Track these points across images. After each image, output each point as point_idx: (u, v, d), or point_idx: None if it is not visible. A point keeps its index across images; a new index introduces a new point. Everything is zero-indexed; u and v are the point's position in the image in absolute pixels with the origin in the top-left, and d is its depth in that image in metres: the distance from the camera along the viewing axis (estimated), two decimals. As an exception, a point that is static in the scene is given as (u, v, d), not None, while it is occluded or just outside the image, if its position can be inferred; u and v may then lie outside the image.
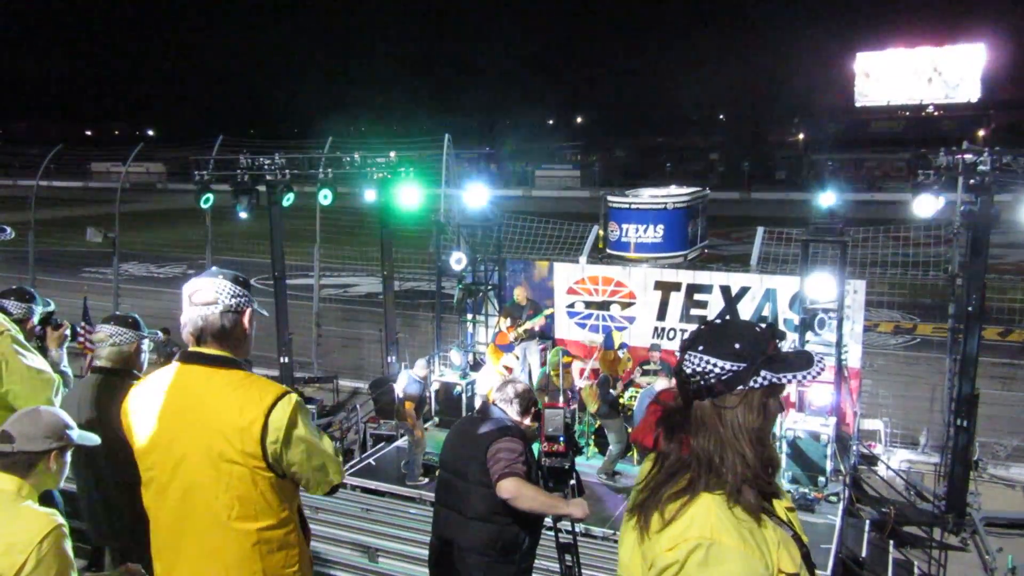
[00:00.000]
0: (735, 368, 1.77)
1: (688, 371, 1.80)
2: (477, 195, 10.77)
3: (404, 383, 9.00)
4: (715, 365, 1.78)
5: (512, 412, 3.99)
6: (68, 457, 2.79)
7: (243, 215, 10.10)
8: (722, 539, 1.68)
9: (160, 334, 4.66)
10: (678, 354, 1.89)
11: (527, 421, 4.04)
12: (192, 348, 2.55)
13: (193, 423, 2.45)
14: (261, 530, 2.46)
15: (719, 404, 1.79)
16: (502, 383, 4.19)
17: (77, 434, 2.82)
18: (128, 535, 3.60)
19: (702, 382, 1.79)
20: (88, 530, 3.90)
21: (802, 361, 1.82)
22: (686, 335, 1.93)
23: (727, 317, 1.97)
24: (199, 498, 2.44)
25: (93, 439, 2.95)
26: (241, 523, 2.43)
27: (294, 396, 2.49)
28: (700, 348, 1.81)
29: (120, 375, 3.66)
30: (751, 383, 1.77)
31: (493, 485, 3.64)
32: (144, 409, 2.54)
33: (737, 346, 1.79)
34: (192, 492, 2.45)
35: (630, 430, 8.96)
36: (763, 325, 1.93)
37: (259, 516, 2.45)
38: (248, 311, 2.60)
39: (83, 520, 3.85)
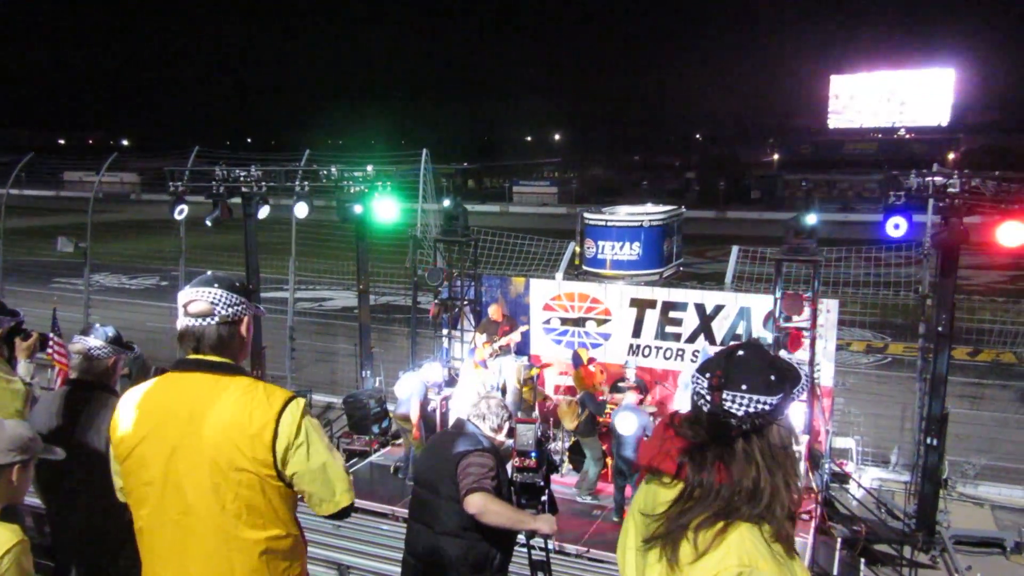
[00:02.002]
0: (777, 401, 1.80)
1: (741, 413, 1.79)
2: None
3: (417, 388, 9.14)
4: (763, 403, 1.80)
5: (486, 428, 3.99)
6: (31, 471, 2.73)
7: (208, 223, 10.06)
8: (761, 566, 1.69)
9: (138, 349, 4.59)
10: (703, 391, 1.85)
11: (501, 437, 4.04)
12: (190, 355, 2.46)
13: (197, 433, 2.36)
14: (270, 539, 2.39)
15: (763, 436, 1.81)
16: (477, 399, 4.19)
17: (42, 447, 2.76)
18: (98, 552, 3.53)
19: (758, 421, 1.80)
20: (54, 546, 3.82)
21: (798, 374, 1.87)
22: (703, 370, 1.88)
23: (740, 347, 1.95)
24: (205, 509, 2.35)
25: (59, 453, 2.89)
26: (250, 531, 2.36)
27: (302, 400, 2.43)
28: (744, 388, 1.80)
29: (95, 389, 3.60)
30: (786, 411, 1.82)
31: (461, 491, 3.63)
32: (138, 421, 2.43)
33: (773, 378, 1.82)
34: (197, 504, 2.36)
35: (604, 447, 8.96)
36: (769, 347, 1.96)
37: (267, 525, 2.38)
38: (246, 319, 2.53)
39: (50, 536, 3.77)
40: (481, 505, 3.57)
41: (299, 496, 2.47)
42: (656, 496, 1.91)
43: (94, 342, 3.63)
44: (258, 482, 2.34)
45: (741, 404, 1.79)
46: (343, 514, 2.51)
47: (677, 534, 1.77)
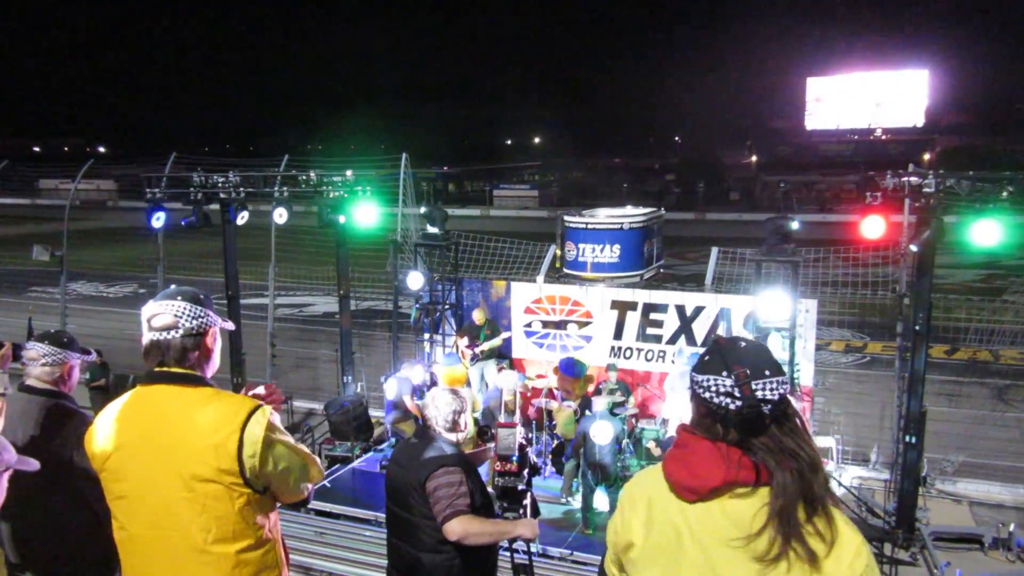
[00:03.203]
0: (787, 379, 1.86)
1: (775, 398, 1.81)
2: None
3: (405, 386, 9.47)
4: (785, 383, 1.84)
5: (442, 430, 3.83)
6: (4, 483, 2.69)
7: (184, 222, 10.03)
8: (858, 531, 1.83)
9: (95, 354, 4.52)
10: (728, 389, 1.83)
11: (460, 436, 3.87)
12: (155, 369, 2.48)
13: (163, 445, 2.36)
14: (240, 552, 2.39)
15: (789, 415, 1.85)
16: (427, 400, 3.96)
17: (16, 459, 2.72)
18: (56, 560, 3.48)
19: (782, 404, 1.83)
20: (10, 554, 3.74)
21: None
22: (713, 370, 1.86)
23: (735, 339, 1.94)
24: (173, 524, 2.35)
25: (33, 464, 2.85)
26: (219, 546, 2.36)
27: (267, 408, 2.44)
28: (767, 374, 1.82)
29: (50, 396, 3.54)
30: None
31: (437, 518, 3.56)
32: (110, 435, 2.45)
33: (774, 357, 1.88)
34: (165, 518, 2.36)
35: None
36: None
37: (237, 537, 2.38)
38: (212, 330, 2.54)
39: (7, 545, 3.69)
40: (461, 531, 3.51)
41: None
42: (735, 512, 1.81)
43: (47, 347, 3.57)
44: (225, 492, 2.35)
45: (773, 390, 1.81)
46: (305, 502, 2.63)
47: (797, 534, 1.75)
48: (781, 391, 1.81)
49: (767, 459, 1.79)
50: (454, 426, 3.84)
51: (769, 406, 1.80)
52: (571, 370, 9.94)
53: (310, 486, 2.58)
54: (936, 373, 10.78)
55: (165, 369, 2.46)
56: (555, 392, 9.97)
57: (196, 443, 2.33)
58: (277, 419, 2.47)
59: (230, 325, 2.68)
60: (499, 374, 10.28)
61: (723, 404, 1.83)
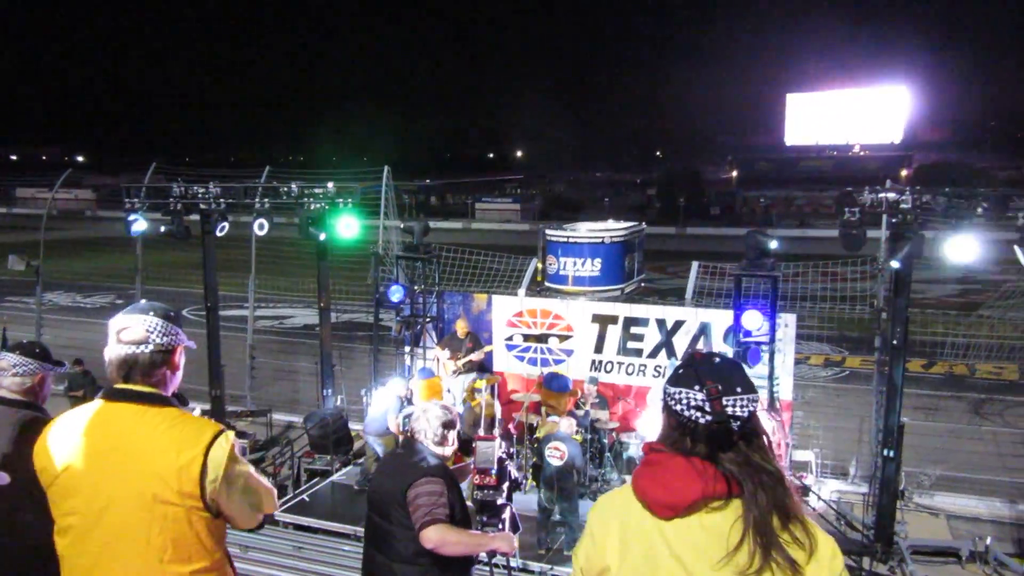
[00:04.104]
0: (758, 397, 1.89)
1: (745, 415, 1.84)
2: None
3: (393, 404, 9.25)
4: (755, 400, 1.87)
5: (430, 443, 3.85)
6: None
7: (163, 229, 9.98)
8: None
9: (67, 366, 4.45)
10: (699, 403, 1.84)
11: (447, 451, 3.89)
12: (119, 385, 2.44)
13: (123, 464, 2.34)
14: (194, 572, 2.37)
15: (758, 432, 1.87)
16: (416, 413, 3.99)
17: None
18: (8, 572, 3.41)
19: (751, 422, 1.86)
20: None
21: None
22: (685, 384, 1.88)
23: (711, 355, 1.96)
24: (128, 542, 2.33)
25: (3, 478, 2.81)
26: (174, 566, 2.34)
27: (231, 433, 2.42)
28: (739, 391, 1.85)
29: (21, 407, 3.49)
30: None
31: (415, 527, 3.55)
32: (65, 450, 2.41)
33: (747, 374, 1.91)
34: (121, 537, 2.33)
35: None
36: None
37: (193, 558, 2.37)
38: (179, 348, 2.53)
39: None
40: (438, 539, 3.50)
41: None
42: (713, 526, 1.82)
43: (17, 358, 3.52)
44: (184, 515, 2.34)
45: (744, 407, 1.83)
46: (261, 526, 2.60)
47: (775, 544, 1.76)
48: (751, 408, 1.84)
49: (733, 472, 1.82)
50: (443, 440, 3.86)
51: (738, 422, 1.83)
52: (555, 384, 9.89)
53: (260, 516, 2.56)
54: (914, 387, 10.86)
55: (129, 387, 2.43)
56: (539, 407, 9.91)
57: (158, 465, 2.31)
58: (239, 446, 2.47)
59: (192, 344, 2.66)
60: (468, 381, 10.29)
61: (693, 418, 1.84)
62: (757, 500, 1.79)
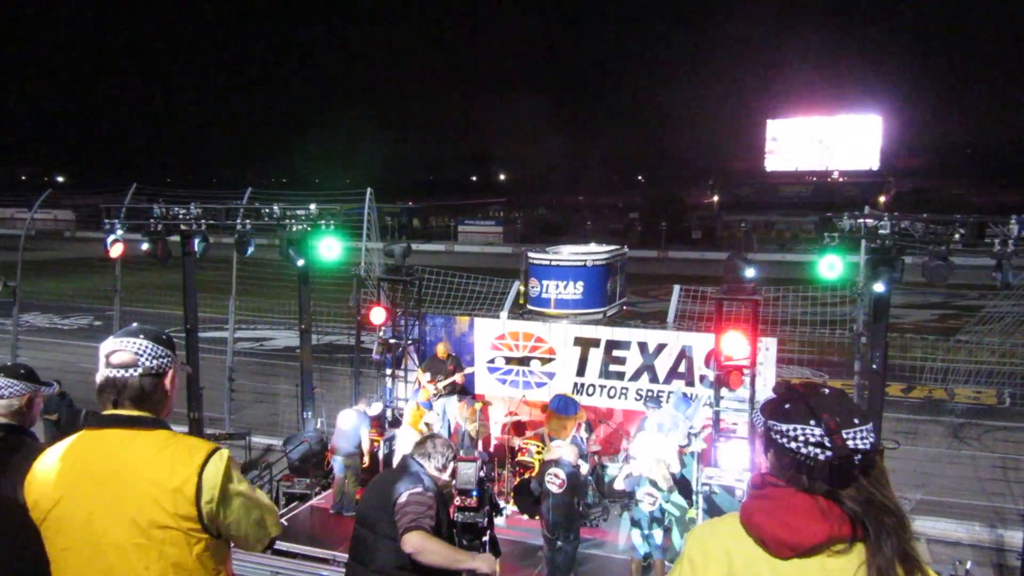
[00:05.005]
0: (875, 427, 1.79)
1: (867, 447, 1.73)
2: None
3: (362, 420, 9.49)
4: (873, 432, 1.77)
5: (431, 467, 3.94)
6: None
7: (144, 247, 9.94)
8: None
9: (56, 386, 4.39)
10: (818, 439, 1.74)
11: (446, 476, 4.00)
12: (107, 411, 2.36)
13: (116, 491, 2.26)
14: None
15: (876, 464, 1.77)
16: (422, 438, 4.13)
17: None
18: None
19: (872, 453, 1.75)
20: None
21: None
22: (797, 420, 1.78)
23: (816, 386, 1.88)
24: (127, 571, 2.25)
25: None
26: None
27: (225, 451, 2.36)
28: (856, 422, 1.75)
29: (10, 430, 3.43)
30: None
31: (399, 529, 3.56)
32: (54, 483, 2.32)
33: (859, 406, 1.84)
34: (119, 567, 2.25)
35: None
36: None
37: None
38: (170, 372, 2.45)
39: None
40: (418, 544, 3.52)
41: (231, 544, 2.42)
42: (835, 570, 1.72)
43: (3, 380, 3.45)
44: (183, 538, 2.27)
45: (864, 439, 1.74)
46: (270, 545, 2.54)
47: None
48: (871, 439, 1.75)
49: (858, 512, 1.72)
50: (444, 467, 4.00)
51: (860, 456, 1.73)
52: (565, 408, 9.41)
53: (267, 535, 2.49)
54: (893, 411, 10.92)
55: (116, 412, 2.36)
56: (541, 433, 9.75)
57: (152, 488, 2.25)
58: (235, 464, 2.40)
59: (188, 368, 2.60)
60: (448, 404, 10.24)
61: (812, 454, 1.74)
62: (882, 548, 1.69)
